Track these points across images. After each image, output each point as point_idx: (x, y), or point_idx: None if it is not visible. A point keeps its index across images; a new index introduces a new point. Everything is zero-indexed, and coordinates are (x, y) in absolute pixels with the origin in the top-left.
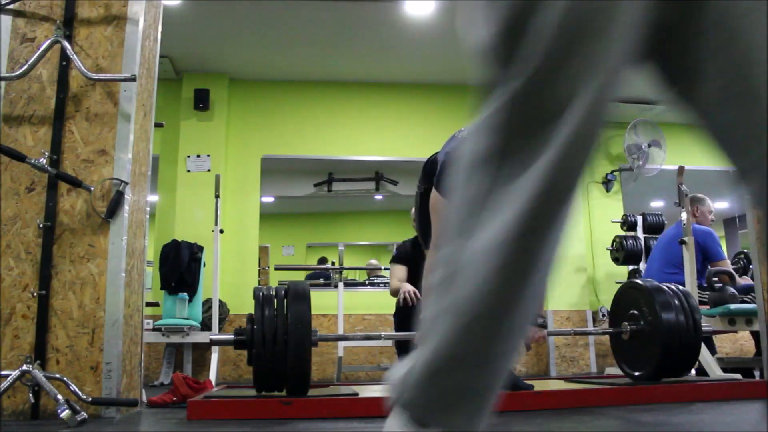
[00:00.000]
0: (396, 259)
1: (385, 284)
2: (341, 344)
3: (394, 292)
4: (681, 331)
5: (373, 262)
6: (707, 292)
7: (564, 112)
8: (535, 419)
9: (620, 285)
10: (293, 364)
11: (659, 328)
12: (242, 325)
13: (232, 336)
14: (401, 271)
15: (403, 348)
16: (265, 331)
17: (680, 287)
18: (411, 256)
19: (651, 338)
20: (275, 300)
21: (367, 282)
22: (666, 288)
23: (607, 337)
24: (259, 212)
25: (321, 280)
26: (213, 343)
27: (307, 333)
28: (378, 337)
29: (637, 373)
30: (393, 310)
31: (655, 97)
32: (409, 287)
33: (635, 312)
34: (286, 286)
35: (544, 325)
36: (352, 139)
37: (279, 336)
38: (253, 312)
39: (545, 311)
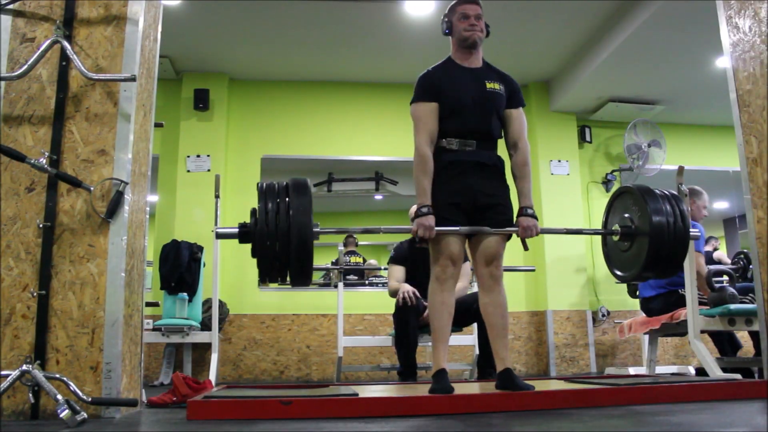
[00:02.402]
0: (394, 260)
1: (384, 284)
2: (341, 344)
3: (393, 293)
4: (670, 233)
5: (373, 262)
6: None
7: None
8: (535, 419)
9: (613, 192)
10: (296, 253)
11: (649, 229)
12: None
13: (237, 229)
14: (399, 271)
15: (402, 347)
16: (268, 223)
17: (672, 192)
18: (408, 256)
19: (641, 239)
20: (277, 192)
21: (367, 282)
22: (657, 192)
23: (607, 337)
24: None
25: (321, 280)
26: (219, 236)
27: (309, 223)
28: (377, 231)
29: (627, 274)
30: (392, 310)
31: (655, 97)
32: (407, 287)
33: (626, 215)
34: (286, 181)
35: (535, 217)
36: (352, 139)
37: (281, 226)
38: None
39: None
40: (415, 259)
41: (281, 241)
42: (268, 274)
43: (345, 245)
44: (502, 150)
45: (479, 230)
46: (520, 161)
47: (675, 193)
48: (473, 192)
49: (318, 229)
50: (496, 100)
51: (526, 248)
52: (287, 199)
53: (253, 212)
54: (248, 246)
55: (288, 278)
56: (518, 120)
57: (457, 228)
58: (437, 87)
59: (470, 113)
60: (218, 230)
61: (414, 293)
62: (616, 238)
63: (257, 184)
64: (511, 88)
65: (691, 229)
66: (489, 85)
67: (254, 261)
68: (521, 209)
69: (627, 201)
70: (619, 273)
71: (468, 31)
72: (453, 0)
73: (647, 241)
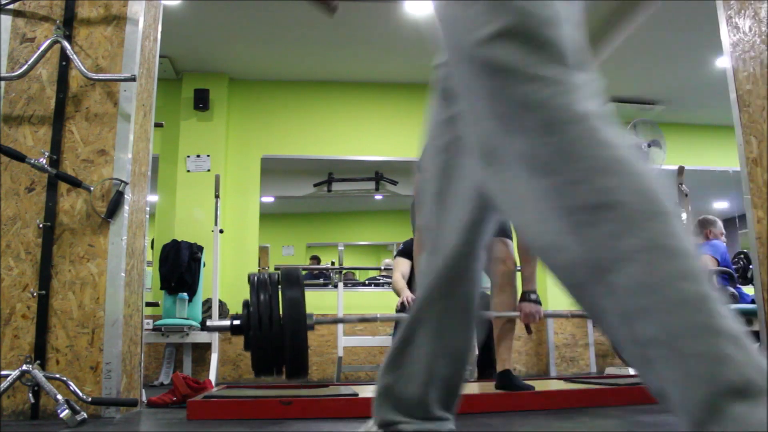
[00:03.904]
0: (401, 253)
1: (387, 284)
2: (341, 344)
3: (396, 288)
4: None
5: (387, 261)
6: None
7: None
8: (535, 419)
9: None
10: (291, 347)
11: None
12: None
13: (229, 322)
14: (405, 265)
15: None
16: (261, 316)
17: None
18: None
19: None
20: (269, 284)
21: (367, 282)
22: None
23: (606, 336)
24: (259, 212)
25: (321, 280)
26: (210, 329)
27: (303, 315)
28: (374, 319)
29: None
30: (392, 311)
31: (655, 97)
32: (408, 294)
33: None
34: (278, 271)
35: (539, 302)
36: (352, 139)
37: (275, 320)
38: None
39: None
40: None
41: (274, 335)
42: (263, 368)
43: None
44: None
45: (482, 315)
46: (524, 244)
47: None
48: None
49: (313, 321)
50: None
51: (529, 332)
52: (279, 290)
53: (246, 304)
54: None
55: (283, 372)
56: None
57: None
58: None
59: None
60: (210, 323)
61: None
62: None
63: (248, 275)
64: None
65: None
66: None
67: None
68: (524, 294)
69: None
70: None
71: None
72: None
73: None
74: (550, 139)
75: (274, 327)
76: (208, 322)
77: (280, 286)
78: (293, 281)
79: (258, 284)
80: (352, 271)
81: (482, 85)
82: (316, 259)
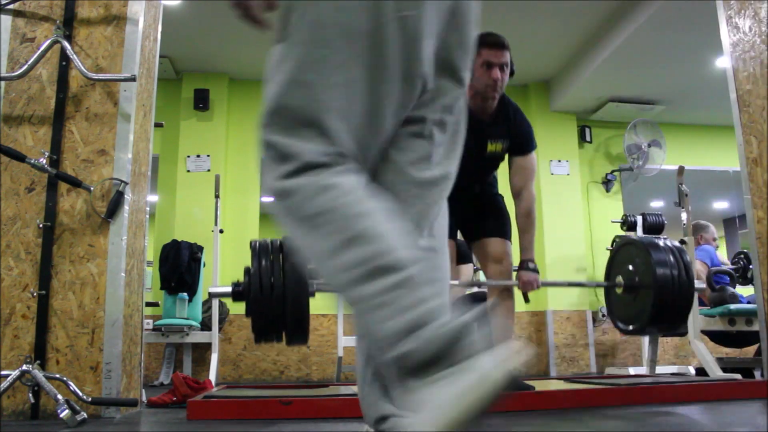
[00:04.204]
0: None
1: None
2: (341, 344)
3: None
4: (674, 286)
5: None
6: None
7: None
8: (535, 419)
9: (616, 242)
10: (292, 312)
11: (653, 283)
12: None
13: (230, 288)
14: None
15: None
16: (262, 282)
17: (675, 243)
18: None
19: (645, 292)
20: (271, 250)
21: None
22: (661, 244)
23: (606, 336)
24: (259, 212)
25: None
26: (212, 295)
27: (305, 281)
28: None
29: (630, 327)
30: None
31: (655, 97)
32: None
33: (630, 267)
34: (280, 239)
35: (536, 270)
36: None
37: (276, 286)
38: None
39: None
40: None
41: (276, 300)
42: (263, 334)
43: None
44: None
45: (479, 284)
46: (523, 211)
47: (679, 245)
48: (465, 203)
49: (314, 288)
50: (493, 161)
51: (526, 301)
52: (281, 257)
53: (247, 271)
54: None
55: (284, 338)
56: (524, 168)
57: (456, 282)
58: None
59: (465, 173)
60: (211, 290)
61: None
62: (619, 290)
63: (250, 242)
64: (519, 134)
65: (695, 283)
66: (490, 148)
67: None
68: (522, 263)
69: (631, 252)
70: (622, 326)
71: (490, 87)
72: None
73: (651, 294)
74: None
75: (276, 293)
76: (210, 289)
77: (281, 252)
78: (295, 249)
79: (259, 250)
80: None
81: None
82: None
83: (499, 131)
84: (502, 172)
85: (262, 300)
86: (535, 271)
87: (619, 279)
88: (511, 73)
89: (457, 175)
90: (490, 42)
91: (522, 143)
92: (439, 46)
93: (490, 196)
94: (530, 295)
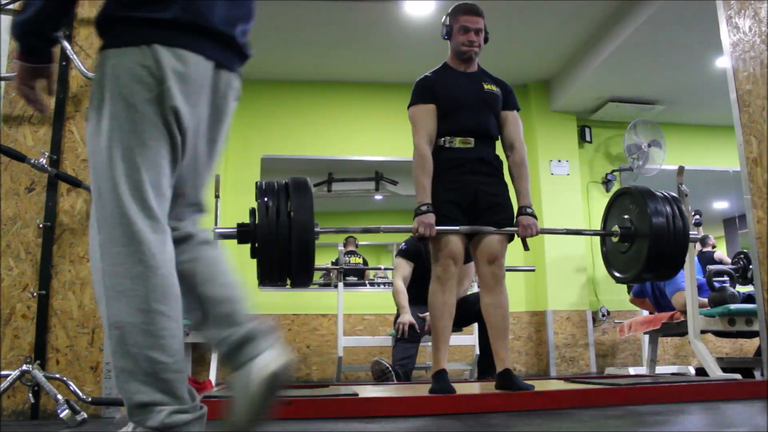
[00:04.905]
0: (403, 254)
1: (386, 284)
2: (341, 344)
3: (396, 300)
4: (670, 234)
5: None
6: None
7: None
8: (535, 419)
9: (613, 193)
10: (298, 253)
11: (649, 231)
12: None
13: (235, 228)
14: (406, 268)
15: (401, 367)
16: (268, 222)
17: (672, 194)
18: (420, 251)
19: (640, 240)
20: (277, 191)
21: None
22: (657, 193)
23: (606, 337)
24: None
25: (321, 280)
26: (217, 235)
27: (311, 222)
28: (377, 231)
29: (626, 275)
30: (393, 311)
31: (655, 97)
32: (408, 319)
33: (626, 216)
34: (285, 180)
35: (534, 216)
36: (352, 139)
37: (282, 225)
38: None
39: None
40: (426, 255)
41: (282, 241)
42: (268, 275)
43: (345, 245)
44: (499, 151)
45: (479, 230)
46: (517, 161)
47: (675, 194)
48: (474, 190)
49: (318, 229)
50: (493, 100)
51: (526, 248)
52: (287, 198)
53: (252, 212)
54: (247, 247)
55: (288, 280)
56: (514, 122)
57: (458, 228)
58: (434, 89)
59: (468, 113)
60: (217, 230)
61: (413, 326)
62: (615, 239)
63: (256, 183)
64: (505, 91)
65: (691, 231)
66: (486, 87)
67: (253, 262)
68: (521, 208)
69: (626, 202)
70: (617, 274)
71: (466, 46)
72: (456, 1)
73: (647, 242)
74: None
75: (281, 233)
76: (215, 229)
77: (287, 194)
78: (301, 188)
79: (266, 190)
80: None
81: None
82: (352, 240)
83: (488, 80)
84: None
85: (269, 240)
86: (533, 216)
87: (615, 228)
88: (486, 39)
89: (465, 116)
90: (466, 9)
91: (510, 97)
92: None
93: (498, 179)
94: (529, 291)
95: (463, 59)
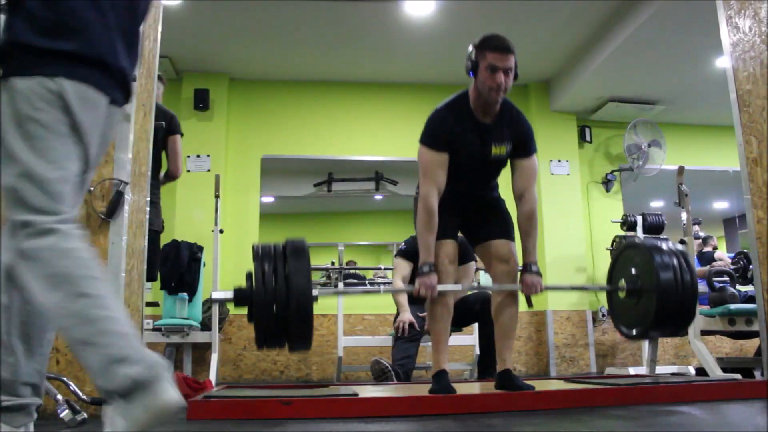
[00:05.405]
0: (402, 254)
1: (387, 284)
2: (341, 344)
3: (396, 300)
4: (678, 289)
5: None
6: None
7: None
8: (535, 419)
9: (618, 244)
10: (295, 317)
11: (656, 286)
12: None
13: (232, 292)
14: (406, 268)
15: (401, 367)
16: (266, 286)
17: (678, 246)
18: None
19: (648, 296)
20: (274, 255)
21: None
22: (664, 247)
23: (607, 336)
24: (259, 212)
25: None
26: (213, 300)
27: (309, 286)
28: (377, 291)
29: (633, 332)
30: (393, 310)
31: (655, 97)
32: (407, 318)
33: (633, 270)
34: (283, 242)
35: (539, 274)
36: (352, 139)
37: (279, 290)
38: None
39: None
40: None
41: (279, 305)
42: (265, 340)
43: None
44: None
45: (483, 288)
46: (525, 214)
47: (682, 248)
48: (467, 207)
49: (317, 292)
50: (497, 164)
51: (530, 305)
52: (284, 261)
53: (249, 276)
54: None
55: (287, 345)
56: (526, 171)
57: (459, 285)
58: (449, 138)
59: (470, 178)
60: (214, 295)
61: (412, 324)
62: (622, 294)
63: (252, 246)
64: (521, 136)
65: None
66: (494, 151)
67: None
68: (525, 265)
69: (632, 255)
70: (625, 330)
71: (493, 91)
72: (483, 37)
73: (655, 299)
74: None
75: (279, 297)
76: (213, 294)
77: (284, 256)
78: (299, 252)
79: (262, 254)
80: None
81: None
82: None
83: (503, 134)
84: (503, 178)
85: (265, 305)
86: (538, 274)
87: (622, 282)
88: (515, 77)
89: (463, 181)
90: (495, 45)
91: (525, 145)
92: None
93: (492, 200)
94: (531, 296)
95: (485, 102)
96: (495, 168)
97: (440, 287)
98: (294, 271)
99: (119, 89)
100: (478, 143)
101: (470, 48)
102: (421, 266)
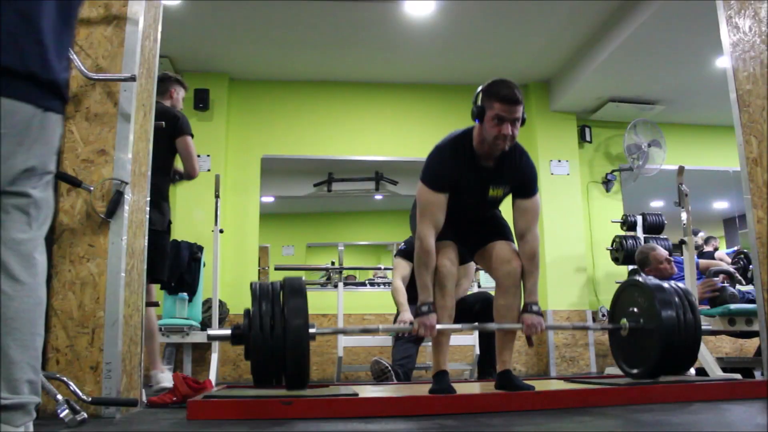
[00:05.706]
0: (402, 253)
1: (386, 284)
2: (341, 344)
3: (396, 299)
4: (681, 329)
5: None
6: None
7: None
8: (535, 419)
9: (620, 283)
10: (292, 356)
11: (659, 326)
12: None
13: (229, 331)
14: (405, 268)
15: (401, 367)
16: (262, 325)
17: (681, 285)
18: None
19: (650, 336)
20: (272, 294)
21: (367, 282)
22: (666, 286)
23: (606, 336)
24: (259, 212)
25: (323, 279)
26: (210, 338)
27: (305, 325)
28: (375, 330)
29: (635, 371)
30: (392, 310)
31: (655, 97)
32: (407, 317)
33: (635, 309)
34: (281, 280)
35: (540, 314)
36: (352, 139)
37: (276, 329)
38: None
39: (544, 309)
40: None
41: (276, 344)
42: (262, 377)
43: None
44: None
45: (482, 327)
46: (527, 254)
47: (684, 287)
48: (464, 223)
49: (314, 331)
50: (494, 203)
51: (530, 345)
52: (282, 301)
53: (247, 314)
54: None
55: (284, 382)
56: (527, 211)
57: (459, 326)
58: (450, 180)
59: (467, 212)
60: (210, 333)
61: (412, 324)
62: (624, 333)
63: (251, 284)
64: (522, 180)
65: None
66: (491, 192)
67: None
68: (526, 305)
69: (635, 294)
70: (627, 368)
71: (499, 140)
72: (491, 83)
73: (657, 339)
74: None
75: (276, 337)
76: (209, 331)
77: (281, 295)
78: (295, 291)
79: (260, 293)
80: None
81: None
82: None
83: (503, 178)
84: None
85: (262, 344)
86: (539, 314)
87: (624, 321)
88: (522, 122)
89: (461, 213)
90: (504, 96)
91: (526, 187)
92: None
93: (488, 215)
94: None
95: (489, 148)
96: (492, 204)
97: (439, 327)
98: (291, 311)
99: (56, 98)
100: (477, 185)
101: (478, 91)
102: (419, 306)
